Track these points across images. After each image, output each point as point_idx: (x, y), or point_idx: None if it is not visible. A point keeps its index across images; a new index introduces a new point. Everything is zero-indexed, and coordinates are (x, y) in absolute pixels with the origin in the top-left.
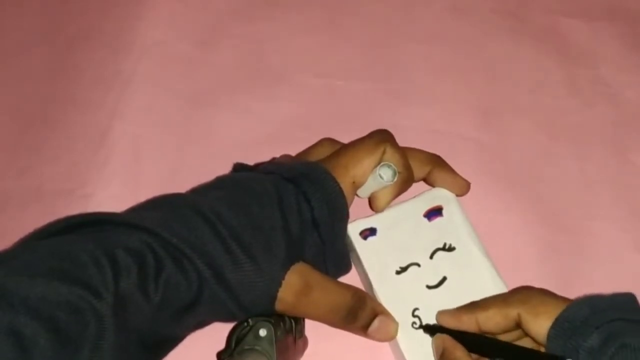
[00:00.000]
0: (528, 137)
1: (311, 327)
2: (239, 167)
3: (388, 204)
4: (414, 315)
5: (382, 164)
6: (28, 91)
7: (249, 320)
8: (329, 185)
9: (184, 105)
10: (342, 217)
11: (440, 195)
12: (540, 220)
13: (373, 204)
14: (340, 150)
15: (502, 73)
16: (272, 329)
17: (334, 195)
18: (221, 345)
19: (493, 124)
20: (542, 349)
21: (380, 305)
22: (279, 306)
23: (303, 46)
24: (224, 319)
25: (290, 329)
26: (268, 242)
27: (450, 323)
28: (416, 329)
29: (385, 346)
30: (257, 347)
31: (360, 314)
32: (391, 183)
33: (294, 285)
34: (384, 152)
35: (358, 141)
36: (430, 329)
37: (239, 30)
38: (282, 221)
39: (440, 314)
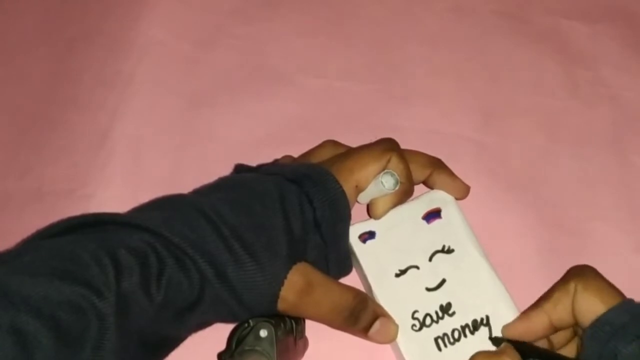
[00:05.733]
0: (528, 138)
1: (311, 328)
2: (240, 168)
3: (386, 212)
4: (413, 318)
5: (385, 171)
6: (29, 92)
7: (250, 321)
8: (332, 187)
9: (185, 106)
10: (344, 218)
11: (438, 198)
12: (540, 221)
13: (371, 211)
14: (347, 153)
15: (503, 74)
16: (273, 329)
17: (336, 196)
18: (222, 345)
19: (493, 125)
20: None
21: (380, 307)
22: (281, 305)
23: (303, 47)
24: (226, 319)
25: (290, 329)
26: (270, 242)
27: (519, 327)
28: (416, 331)
29: (386, 347)
30: (257, 348)
31: (362, 315)
32: (392, 191)
33: (296, 284)
34: (389, 161)
35: (365, 146)
36: (497, 341)
37: (239, 31)
38: (284, 221)
39: (505, 326)
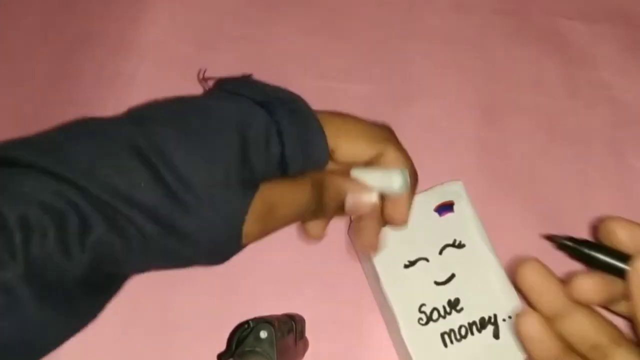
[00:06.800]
0: (528, 136)
1: (312, 329)
2: (223, 83)
3: (409, 217)
4: (420, 311)
5: (398, 169)
6: (29, 92)
7: (250, 322)
8: (311, 123)
9: None
10: (318, 166)
11: (452, 191)
12: (539, 220)
13: (391, 219)
14: (342, 114)
15: (503, 73)
16: (273, 330)
17: (315, 136)
18: (222, 346)
19: (493, 123)
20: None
21: (342, 180)
22: (246, 240)
23: (303, 48)
24: (179, 265)
25: (291, 330)
26: (226, 179)
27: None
28: (422, 325)
29: (388, 347)
30: (257, 349)
31: (325, 199)
32: (396, 192)
33: (258, 212)
34: (381, 155)
35: (362, 121)
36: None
37: (239, 32)
38: (243, 156)
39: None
